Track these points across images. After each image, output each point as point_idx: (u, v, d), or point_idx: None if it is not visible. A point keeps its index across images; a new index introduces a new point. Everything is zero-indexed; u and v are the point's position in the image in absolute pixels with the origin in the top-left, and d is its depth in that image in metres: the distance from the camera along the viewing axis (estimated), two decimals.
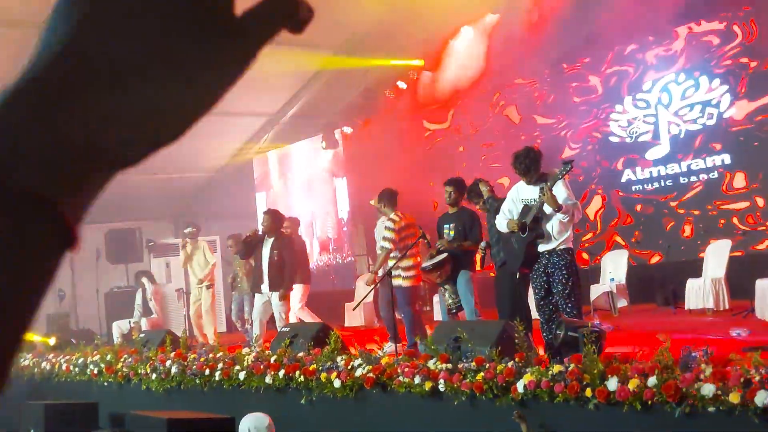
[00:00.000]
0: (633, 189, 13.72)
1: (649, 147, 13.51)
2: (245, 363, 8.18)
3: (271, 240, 10.88)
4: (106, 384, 10.14)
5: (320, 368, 7.28)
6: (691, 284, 11.14)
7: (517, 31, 13.96)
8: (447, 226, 9.11)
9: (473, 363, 6.03)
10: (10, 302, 0.55)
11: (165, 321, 14.78)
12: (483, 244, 8.75)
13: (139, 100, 0.58)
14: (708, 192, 12.81)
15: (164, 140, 0.61)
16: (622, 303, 12.04)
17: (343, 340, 7.91)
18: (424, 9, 13.97)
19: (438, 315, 13.63)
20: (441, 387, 6.14)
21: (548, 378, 5.41)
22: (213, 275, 13.59)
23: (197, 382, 8.62)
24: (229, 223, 16.44)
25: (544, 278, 7.34)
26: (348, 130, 17.11)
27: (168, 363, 9.11)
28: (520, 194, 7.56)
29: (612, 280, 12.20)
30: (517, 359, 5.83)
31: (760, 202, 12.24)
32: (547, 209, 7.17)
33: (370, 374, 6.76)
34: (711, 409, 4.54)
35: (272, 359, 7.90)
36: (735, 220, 12.48)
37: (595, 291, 12.11)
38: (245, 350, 8.82)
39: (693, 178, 12.98)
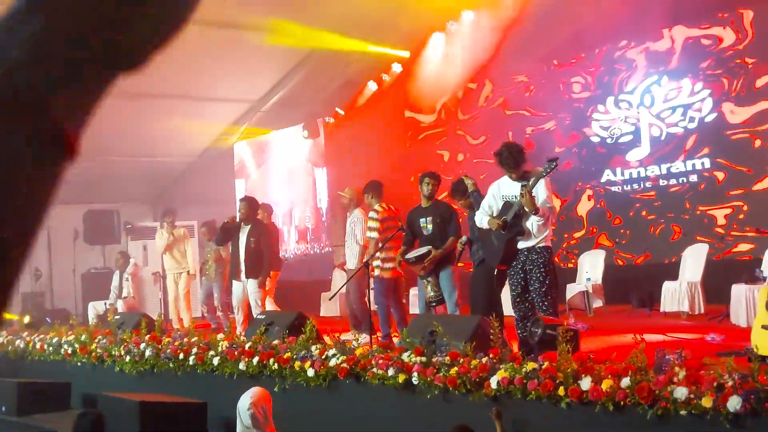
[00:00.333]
0: (614, 190, 13.77)
1: (631, 148, 13.55)
2: (219, 349, 8.17)
3: (248, 227, 10.90)
4: (79, 364, 10.11)
5: (294, 357, 7.27)
6: (667, 287, 11.19)
7: (504, 26, 13.98)
8: (423, 219, 9.04)
9: (447, 357, 6.04)
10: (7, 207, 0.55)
11: (141, 304, 14.72)
12: (464, 238, 8.71)
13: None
14: (686, 195, 12.87)
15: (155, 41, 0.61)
16: (597, 303, 12.07)
17: (318, 330, 7.91)
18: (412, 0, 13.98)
19: (414, 308, 13.66)
20: (414, 380, 6.15)
21: (522, 375, 5.43)
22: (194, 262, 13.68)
23: (171, 366, 8.60)
24: (207, 209, 16.41)
25: (522, 275, 7.34)
26: (330, 120, 17.07)
27: (142, 346, 9.10)
28: (501, 190, 7.53)
29: (588, 279, 12.23)
30: (491, 355, 5.84)
31: (739, 207, 12.31)
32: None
33: (344, 365, 6.76)
34: (683, 412, 4.57)
35: (247, 346, 7.90)
36: (713, 224, 12.55)
37: (571, 290, 12.15)
38: (219, 336, 8.81)
39: (672, 181, 13.04)
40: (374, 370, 6.50)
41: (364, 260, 9.35)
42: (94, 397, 8.27)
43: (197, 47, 14.69)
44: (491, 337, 6.20)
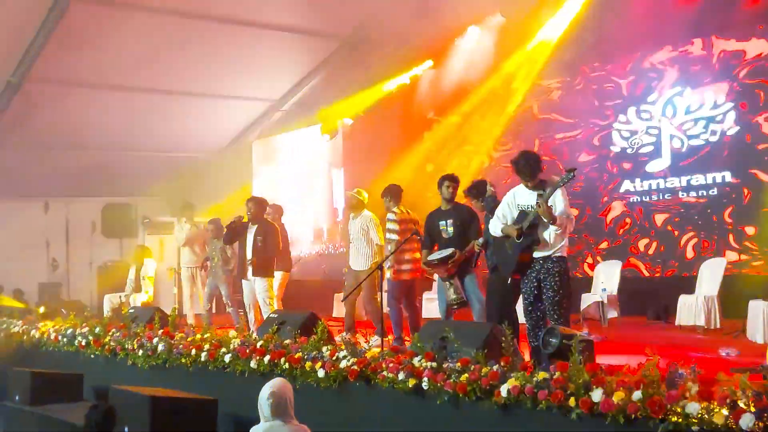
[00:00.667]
0: (635, 200, 13.70)
1: (651, 159, 13.49)
2: (231, 346, 8.18)
3: (255, 227, 10.99)
4: (92, 356, 10.14)
5: (305, 357, 7.27)
6: (684, 300, 11.14)
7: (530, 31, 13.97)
8: (444, 222, 9.00)
9: (458, 363, 6.01)
10: None
11: (155, 299, 14.76)
12: (480, 240, 8.66)
13: None
14: (706, 209, 12.79)
15: None
16: (612, 314, 12.03)
17: (329, 331, 7.90)
18: (435, 2, 13.96)
19: (426, 312, 13.64)
20: (424, 385, 6.11)
21: (532, 384, 5.39)
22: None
23: (183, 361, 8.61)
24: (225, 205, 16.46)
25: (535, 284, 7.30)
26: (348, 121, 17.07)
27: (155, 340, 9.11)
28: (517, 199, 7.49)
29: (604, 290, 12.19)
30: (502, 363, 5.81)
31: (759, 221, 12.21)
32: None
33: (355, 367, 6.74)
34: (695, 428, 4.51)
35: (258, 344, 7.90)
36: (731, 239, 12.46)
37: (586, 300, 12.11)
38: (232, 333, 8.83)
39: (692, 194, 12.96)
40: (384, 373, 6.48)
41: (379, 262, 9.34)
42: (106, 390, 8.27)
43: (219, 46, 14.77)
44: (503, 345, 6.16)
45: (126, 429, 7.00)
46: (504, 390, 5.54)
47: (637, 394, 4.83)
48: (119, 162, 18.21)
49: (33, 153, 17.02)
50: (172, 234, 17.09)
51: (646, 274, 13.40)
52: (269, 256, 11.09)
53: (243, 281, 11.25)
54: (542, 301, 7.29)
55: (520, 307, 8.12)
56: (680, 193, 13.08)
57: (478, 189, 8.83)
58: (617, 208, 13.92)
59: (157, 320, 9.79)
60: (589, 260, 14.11)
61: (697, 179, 12.89)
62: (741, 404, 4.42)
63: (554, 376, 5.33)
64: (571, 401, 5.12)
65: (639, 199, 13.62)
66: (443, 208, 9.09)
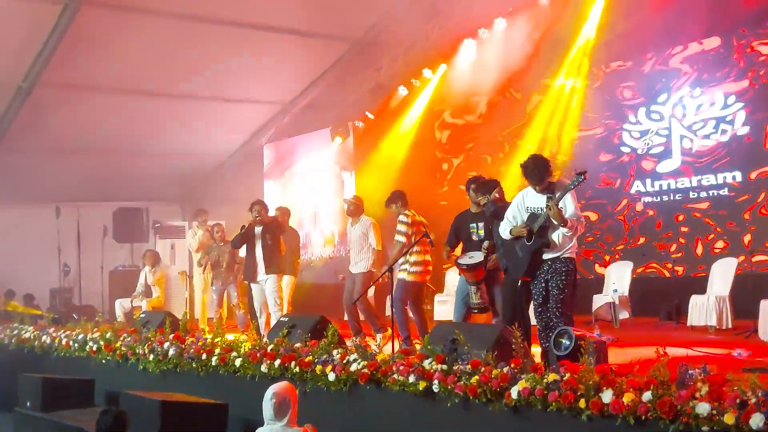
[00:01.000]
0: (647, 201, 13.65)
1: (662, 159, 13.44)
2: (242, 350, 8.18)
3: (261, 228, 11.15)
4: (103, 361, 10.16)
5: (316, 360, 7.27)
6: (695, 300, 11.10)
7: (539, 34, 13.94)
8: (474, 225, 8.85)
9: (468, 366, 6.00)
10: None
11: (166, 303, 14.80)
12: (486, 243, 8.59)
13: None
14: (717, 209, 12.74)
15: None
16: (623, 315, 12.00)
17: (340, 334, 7.90)
18: (445, 5, 13.94)
19: (438, 315, 13.64)
20: (435, 387, 6.12)
21: (543, 386, 5.38)
22: None
23: (193, 365, 8.62)
24: (236, 209, 16.44)
25: (544, 285, 7.29)
26: (359, 124, 17.07)
27: (166, 345, 9.13)
28: (526, 201, 7.47)
29: (615, 291, 12.17)
30: (512, 365, 5.80)
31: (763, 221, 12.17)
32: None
33: (365, 370, 6.75)
34: (705, 428, 4.50)
35: (269, 348, 7.90)
36: (743, 239, 12.41)
37: (598, 301, 12.08)
38: (242, 337, 8.83)
39: (703, 194, 12.91)
40: (395, 376, 6.48)
41: (390, 264, 9.35)
42: (117, 395, 8.29)
43: (230, 49, 14.79)
44: (513, 346, 6.16)
45: None
46: (514, 392, 5.54)
47: (647, 395, 4.82)
48: (130, 166, 18.24)
49: (44, 158, 17.07)
50: (184, 238, 17.17)
51: (663, 274, 13.33)
52: (279, 254, 11.26)
53: (252, 285, 11.30)
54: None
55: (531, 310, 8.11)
56: (691, 194, 13.03)
57: (485, 186, 8.74)
58: (630, 209, 13.87)
59: (168, 325, 9.80)
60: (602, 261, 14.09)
61: (708, 179, 12.84)
62: (751, 404, 4.40)
63: (564, 378, 5.32)
64: (581, 403, 5.11)
65: (650, 200, 13.57)
66: (473, 211, 8.93)
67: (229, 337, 9.14)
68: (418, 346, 7.55)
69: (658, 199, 13.46)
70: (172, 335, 9.35)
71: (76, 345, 10.70)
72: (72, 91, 15.23)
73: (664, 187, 13.38)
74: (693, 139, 13.06)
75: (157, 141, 17.69)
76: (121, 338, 10.03)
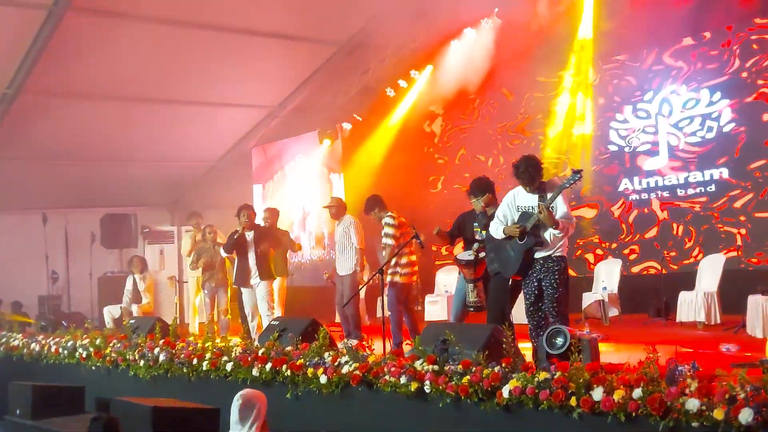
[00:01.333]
0: (634, 198, 13.70)
1: (649, 156, 13.50)
2: (233, 354, 8.17)
3: (252, 233, 11.08)
4: (93, 368, 10.13)
5: (307, 363, 7.27)
6: (684, 297, 11.15)
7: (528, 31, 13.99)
8: (478, 224, 8.77)
9: (460, 366, 6.02)
10: None
11: (156, 308, 14.76)
12: (475, 245, 8.59)
13: None
14: (705, 205, 12.80)
15: None
16: (613, 312, 12.05)
17: (331, 337, 7.90)
18: (431, 7, 13.93)
19: (429, 315, 13.66)
20: (426, 388, 6.13)
21: (534, 385, 5.40)
22: None
23: (184, 371, 8.61)
24: (225, 213, 16.41)
25: (536, 284, 7.31)
26: (347, 126, 17.08)
27: (156, 350, 9.10)
28: (517, 201, 7.47)
29: (605, 289, 12.22)
30: (503, 364, 5.81)
31: (756, 217, 12.22)
32: None
33: (357, 372, 6.75)
34: (695, 424, 4.53)
35: (260, 352, 7.90)
36: (730, 235, 12.47)
37: (587, 299, 12.12)
38: (234, 341, 8.82)
39: (690, 191, 12.96)
40: (386, 377, 6.49)
41: (381, 267, 9.34)
42: (108, 402, 8.26)
43: (216, 53, 14.76)
44: (504, 346, 6.17)
45: None
46: (506, 391, 5.56)
47: (637, 392, 4.85)
48: (117, 172, 18.19)
49: (30, 165, 16.99)
50: (173, 244, 17.13)
51: (649, 271, 13.39)
52: (268, 259, 11.25)
53: (243, 289, 11.29)
54: (543, 302, 7.30)
55: (516, 309, 8.13)
56: (678, 191, 13.08)
57: (476, 188, 8.72)
58: (621, 207, 13.92)
59: (158, 330, 9.78)
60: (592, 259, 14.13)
61: (695, 176, 12.90)
62: (740, 399, 4.43)
63: (555, 376, 5.34)
64: (572, 401, 5.13)
65: (638, 198, 13.62)
66: (478, 211, 8.92)
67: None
68: (408, 347, 7.55)
69: (646, 196, 13.51)
70: (163, 341, 9.33)
71: (65, 352, 10.66)
72: (57, 98, 15.17)
73: (652, 185, 13.43)
74: (679, 136, 13.11)
75: (145, 146, 17.63)
76: (111, 344, 10.00)
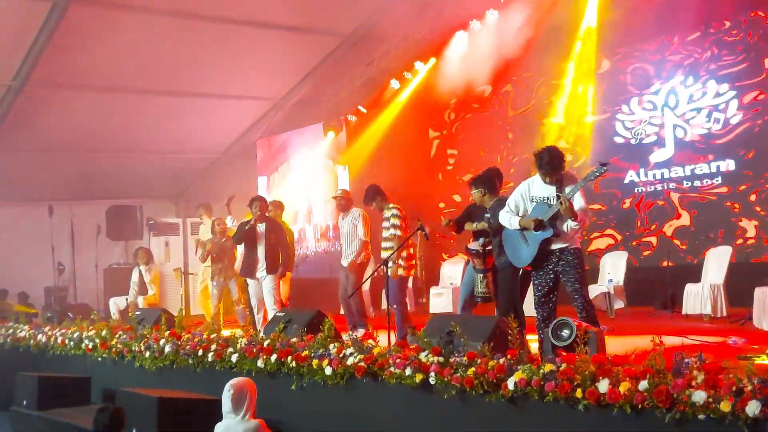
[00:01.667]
0: (640, 190, 13.66)
1: (655, 148, 13.46)
2: (238, 346, 8.18)
3: (263, 225, 11.12)
4: (99, 359, 10.15)
5: (312, 355, 7.27)
6: (690, 289, 11.12)
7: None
8: (488, 215, 8.61)
9: (465, 357, 6.00)
10: None
11: (162, 300, 14.76)
12: (481, 240, 8.54)
13: None
14: (711, 198, 12.76)
15: None
16: (619, 304, 12.02)
17: (336, 328, 7.90)
18: None
19: (434, 307, 13.64)
20: (432, 380, 6.12)
21: (539, 376, 5.38)
22: None
23: (190, 362, 8.62)
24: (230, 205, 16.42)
25: (552, 276, 7.22)
26: (352, 118, 17.05)
27: (162, 342, 9.12)
28: (532, 191, 7.38)
29: (610, 281, 12.19)
30: (509, 356, 5.80)
31: (763, 209, 12.18)
32: None
33: (362, 363, 6.75)
34: (701, 416, 4.51)
35: (265, 343, 7.90)
36: (736, 227, 12.43)
37: (593, 291, 12.08)
38: (239, 332, 8.83)
39: (697, 183, 12.92)
40: (392, 369, 6.48)
41: (389, 258, 9.32)
42: (114, 392, 8.28)
43: (221, 45, 14.75)
44: (509, 337, 6.15)
45: (134, 431, 7.01)
46: (511, 383, 5.55)
47: (643, 384, 4.83)
48: (123, 164, 18.20)
49: (36, 157, 17.01)
50: (178, 235, 17.13)
51: (652, 264, 13.36)
52: (277, 253, 11.22)
53: (249, 280, 11.30)
54: (555, 294, 7.26)
55: (526, 301, 8.11)
56: (684, 183, 13.05)
57: (488, 180, 8.65)
58: (628, 198, 13.89)
59: (164, 322, 9.79)
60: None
61: (702, 168, 12.86)
62: (747, 391, 4.41)
63: (561, 368, 5.32)
64: (578, 392, 5.11)
65: (644, 190, 13.58)
66: (477, 203, 8.88)
67: (225, 333, 9.13)
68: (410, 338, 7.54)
69: (652, 188, 13.47)
70: (168, 332, 9.35)
71: (71, 343, 10.69)
72: (63, 90, 15.19)
73: (658, 177, 13.39)
74: (686, 128, 13.07)
75: (150, 138, 17.64)
76: (117, 336, 10.02)
